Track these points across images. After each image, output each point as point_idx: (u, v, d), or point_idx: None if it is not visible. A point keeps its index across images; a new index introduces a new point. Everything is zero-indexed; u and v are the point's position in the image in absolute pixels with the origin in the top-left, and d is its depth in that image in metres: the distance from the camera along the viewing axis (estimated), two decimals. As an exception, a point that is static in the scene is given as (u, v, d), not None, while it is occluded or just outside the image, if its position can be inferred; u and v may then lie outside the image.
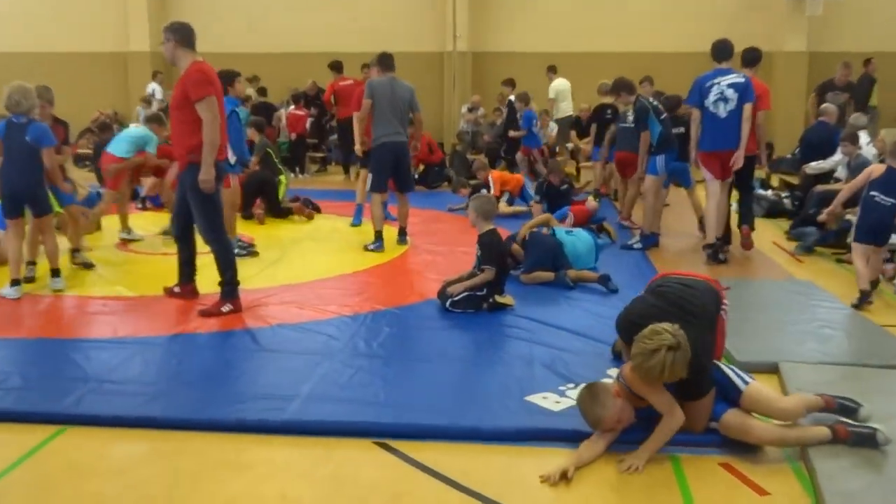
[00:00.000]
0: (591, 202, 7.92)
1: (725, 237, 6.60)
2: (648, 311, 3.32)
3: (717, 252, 6.46)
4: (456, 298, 5.04)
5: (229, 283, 4.94)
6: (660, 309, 3.31)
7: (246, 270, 6.06)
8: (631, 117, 7.48)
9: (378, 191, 6.86)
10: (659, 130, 6.92)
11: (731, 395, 3.25)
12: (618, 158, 8.25)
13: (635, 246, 6.88)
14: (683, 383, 3.13)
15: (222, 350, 4.31)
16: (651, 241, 6.94)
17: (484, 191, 8.96)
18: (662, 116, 7.03)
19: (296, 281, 5.84)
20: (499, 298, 5.10)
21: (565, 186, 8.29)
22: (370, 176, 7.01)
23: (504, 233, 5.76)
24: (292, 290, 5.58)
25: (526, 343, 4.43)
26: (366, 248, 6.82)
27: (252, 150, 8.49)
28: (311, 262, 6.52)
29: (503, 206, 8.80)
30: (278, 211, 8.39)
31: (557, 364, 4.08)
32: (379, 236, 6.85)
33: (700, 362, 3.12)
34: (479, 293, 5.08)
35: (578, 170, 11.44)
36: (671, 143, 7.04)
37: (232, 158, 6.38)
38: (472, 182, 9.36)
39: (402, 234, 7.15)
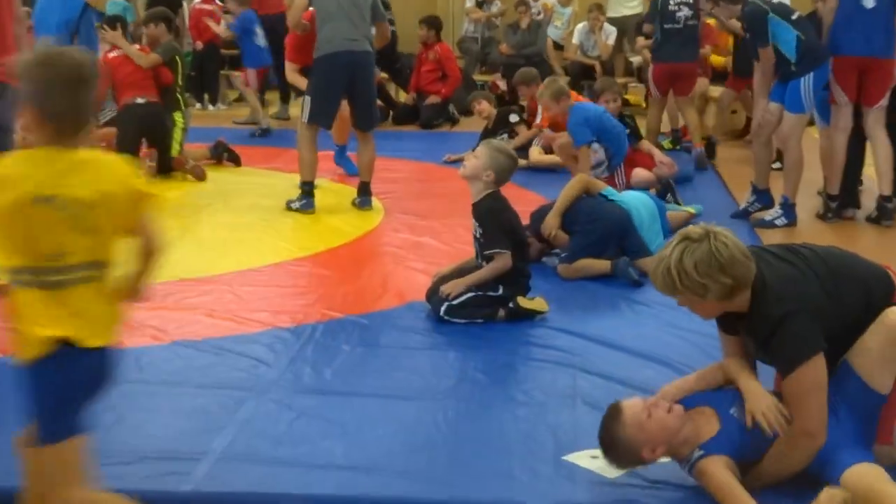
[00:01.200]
0: (661, 158, 8.02)
1: (851, 196, 6.88)
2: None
3: (841, 208, 7.03)
4: (455, 302, 5.06)
5: None
6: (792, 265, 3.41)
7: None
8: (684, 13, 7.43)
9: (316, 122, 7.10)
10: (794, 37, 6.82)
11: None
12: (660, 71, 8.70)
13: (777, 222, 6.92)
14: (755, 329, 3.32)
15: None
16: (793, 213, 7.01)
17: (504, 136, 8.98)
18: (794, 16, 6.94)
19: (203, 273, 5.86)
20: (522, 301, 5.11)
21: (628, 128, 8.31)
22: (305, 100, 7.21)
23: (529, 200, 5.77)
24: (198, 287, 5.61)
25: (565, 371, 4.46)
26: (288, 206, 7.07)
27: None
28: (229, 244, 6.57)
29: (535, 154, 8.81)
30: (167, 164, 8.53)
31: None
32: (308, 189, 7.10)
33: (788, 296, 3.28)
34: (491, 293, 5.10)
35: (648, 97, 11.42)
36: (820, 54, 6.93)
37: None
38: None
39: (363, 191, 7.36)
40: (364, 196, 7.39)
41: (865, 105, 6.99)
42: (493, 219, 5.09)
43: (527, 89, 9.45)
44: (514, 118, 9.46)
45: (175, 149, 8.59)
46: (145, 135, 8.55)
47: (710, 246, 3.29)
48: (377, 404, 4.11)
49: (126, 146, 8.13)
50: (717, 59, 11.02)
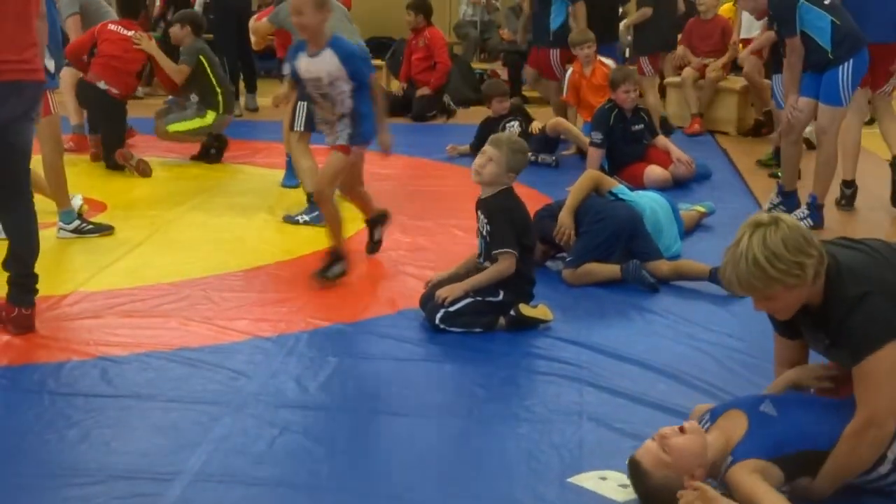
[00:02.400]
0: (679, 155, 8.09)
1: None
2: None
3: (854, 197, 7.41)
4: (452, 309, 5.05)
5: (17, 282, 4.97)
6: (862, 252, 3.46)
7: (93, 259, 5.97)
8: None
9: (304, 128, 7.03)
10: (829, 23, 6.78)
11: None
12: None
13: (803, 223, 6.76)
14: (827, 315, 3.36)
15: (42, 396, 4.30)
16: (820, 216, 7.01)
17: (514, 125, 8.96)
18: (828, 0, 6.86)
19: (177, 277, 5.83)
20: (524, 309, 5.09)
21: (639, 125, 8.32)
22: (300, 106, 7.13)
23: (534, 199, 5.85)
24: (171, 292, 5.59)
25: (571, 385, 4.44)
26: (290, 220, 6.88)
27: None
28: (205, 245, 6.54)
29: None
30: (111, 160, 8.75)
31: (624, 421, 4.08)
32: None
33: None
34: (490, 299, 5.08)
35: (664, 89, 11.44)
36: (858, 39, 6.86)
37: (50, 65, 6.39)
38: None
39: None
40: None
41: (872, 90, 7.23)
42: (505, 216, 5.08)
43: (499, 105, 9.46)
44: (512, 126, 9.33)
45: (176, 129, 8.98)
46: (94, 120, 8.95)
47: (787, 224, 3.35)
48: (366, 421, 4.09)
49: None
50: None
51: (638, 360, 4.71)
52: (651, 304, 5.50)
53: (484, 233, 5.16)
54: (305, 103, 6.92)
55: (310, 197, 6.90)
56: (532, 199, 6.16)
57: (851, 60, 6.77)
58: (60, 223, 6.56)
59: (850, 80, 6.80)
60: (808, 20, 6.76)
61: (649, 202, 6.19)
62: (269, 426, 4.00)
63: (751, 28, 10.26)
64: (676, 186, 8.04)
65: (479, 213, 5.19)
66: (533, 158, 8.27)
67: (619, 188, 6.26)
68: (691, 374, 4.53)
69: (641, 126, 8.29)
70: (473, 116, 10.34)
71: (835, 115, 6.92)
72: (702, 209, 7.03)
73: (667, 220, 6.20)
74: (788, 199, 7.20)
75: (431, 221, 7.07)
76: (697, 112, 10.63)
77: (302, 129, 7.15)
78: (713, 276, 5.55)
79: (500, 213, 5.08)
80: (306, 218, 6.87)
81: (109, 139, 8.80)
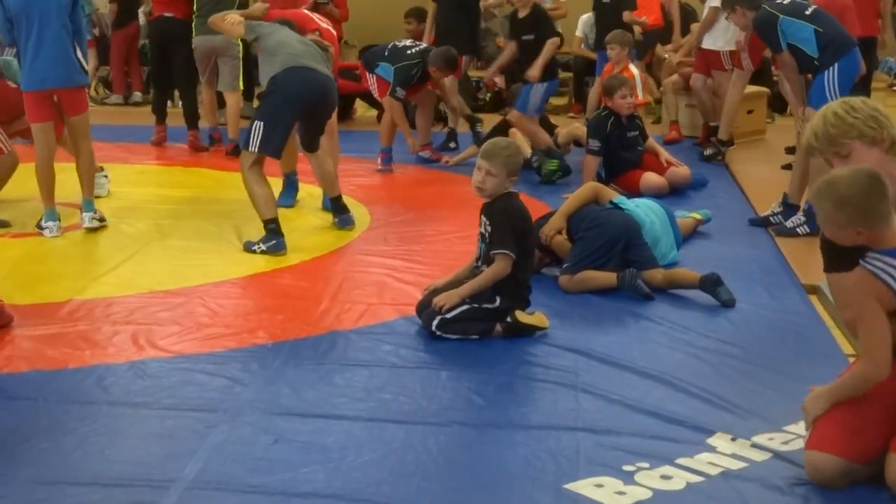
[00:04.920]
0: (668, 157, 8.13)
1: None
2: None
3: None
4: (448, 316, 5.07)
5: None
6: None
7: (90, 267, 6.05)
8: None
9: (266, 152, 6.59)
10: (812, 32, 6.92)
11: None
12: None
13: (799, 230, 6.89)
14: None
15: (38, 404, 4.32)
16: (815, 223, 6.90)
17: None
18: (809, 10, 6.99)
19: (173, 285, 5.87)
20: (521, 316, 5.12)
21: (635, 131, 8.31)
22: (255, 125, 6.61)
23: (535, 208, 5.87)
24: (167, 300, 5.62)
25: (567, 392, 4.47)
26: (248, 248, 6.56)
27: None
28: (201, 254, 6.56)
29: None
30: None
31: (621, 428, 4.11)
32: (274, 227, 6.54)
33: None
34: (487, 306, 5.11)
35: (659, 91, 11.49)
36: (842, 43, 6.98)
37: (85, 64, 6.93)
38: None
39: (339, 208, 7.17)
40: (342, 214, 7.13)
41: None
42: (506, 218, 5.08)
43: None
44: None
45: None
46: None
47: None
48: (363, 428, 4.09)
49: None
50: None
51: (634, 367, 4.73)
52: (647, 310, 5.53)
53: (485, 233, 5.17)
54: (262, 123, 6.51)
55: (266, 224, 6.57)
56: (532, 209, 6.19)
57: (837, 64, 6.89)
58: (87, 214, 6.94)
59: (835, 82, 6.89)
60: (792, 33, 6.95)
61: (646, 211, 6.21)
62: (265, 434, 4.02)
63: (716, 40, 9.91)
64: (673, 193, 8.06)
65: (483, 216, 5.20)
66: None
67: (619, 198, 6.27)
68: (688, 381, 4.55)
69: (637, 132, 8.28)
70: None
71: None
72: (698, 216, 7.05)
73: (663, 228, 6.23)
74: (791, 211, 7.12)
75: (428, 227, 7.10)
76: (675, 119, 10.53)
77: (257, 150, 6.56)
78: (703, 285, 5.60)
79: (500, 214, 5.09)
80: (263, 247, 6.49)
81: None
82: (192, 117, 10.02)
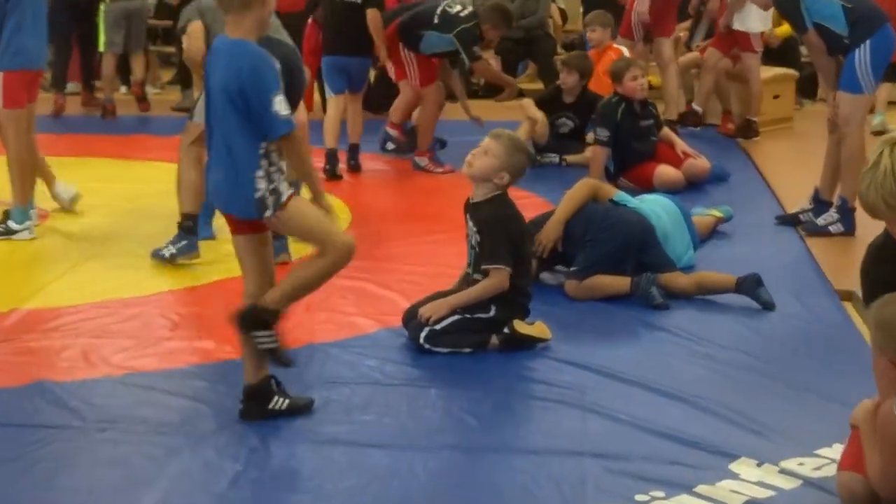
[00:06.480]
0: (684, 148, 8.05)
1: None
2: None
3: None
4: (438, 327, 4.99)
5: None
6: None
7: (37, 274, 6.18)
8: None
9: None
10: (840, 8, 6.78)
11: None
12: None
13: (832, 229, 6.81)
14: None
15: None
16: (851, 220, 6.88)
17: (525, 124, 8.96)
18: None
19: (129, 293, 5.83)
20: (520, 327, 5.03)
21: (649, 119, 8.19)
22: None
23: (532, 205, 5.87)
24: (122, 310, 5.60)
25: (572, 412, 4.41)
26: (157, 256, 6.12)
27: None
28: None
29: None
30: None
31: (632, 453, 4.03)
32: (189, 226, 6.21)
33: None
34: (481, 315, 5.01)
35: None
36: (874, 19, 6.84)
37: None
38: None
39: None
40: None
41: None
42: (497, 228, 5.04)
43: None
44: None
45: None
46: None
47: None
48: (343, 452, 4.03)
49: None
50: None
51: (648, 383, 4.66)
52: (662, 320, 5.47)
53: (473, 243, 5.12)
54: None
55: (182, 220, 6.21)
56: (531, 205, 6.24)
57: (869, 41, 6.75)
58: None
59: (868, 63, 6.76)
60: (817, 10, 6.79)
61: (653, 207, 6.11)
62: (233, 461, 3.95)
63: (746, 20, 9.89)
64: (690, 188, 7.97)
65: (469, 219, 5.13)
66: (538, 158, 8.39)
67: (620, 195, 6.19)
68: (708, 399, 4.48)
69: (651, 121, 8.20)
70: (460, 112, 10.14)
71: (856, 104, 6.84)
72: (718, 214, 6.96)
73: (675, 226, 6.11)
74: (821, 209, 7.04)
75: (416, 229, 7.11)
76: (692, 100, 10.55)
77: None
78: (742, 287, 5.51)
79: (492, 223, 5.04)
80: (173, 250, 6.13)
81: None
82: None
